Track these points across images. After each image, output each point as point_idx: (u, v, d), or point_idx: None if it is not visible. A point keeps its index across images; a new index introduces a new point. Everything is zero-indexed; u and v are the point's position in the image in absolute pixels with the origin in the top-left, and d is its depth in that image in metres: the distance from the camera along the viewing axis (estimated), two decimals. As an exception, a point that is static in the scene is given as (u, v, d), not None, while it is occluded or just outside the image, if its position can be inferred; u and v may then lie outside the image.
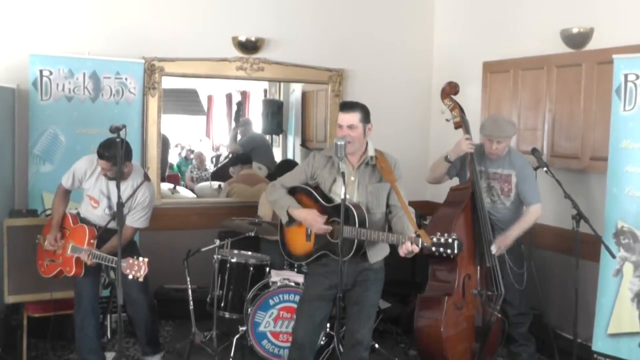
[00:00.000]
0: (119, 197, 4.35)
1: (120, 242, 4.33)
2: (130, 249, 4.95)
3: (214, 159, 11.21)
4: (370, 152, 4.28)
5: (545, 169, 4.69)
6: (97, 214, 5.00)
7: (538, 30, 6.12)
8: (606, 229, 5.07)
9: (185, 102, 11.71)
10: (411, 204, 4.38)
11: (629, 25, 5.31)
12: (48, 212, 5.66)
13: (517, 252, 5.25)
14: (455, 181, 5.51)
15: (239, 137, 9.23)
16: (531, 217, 5.19)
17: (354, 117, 4.21)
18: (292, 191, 4.42)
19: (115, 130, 4.26)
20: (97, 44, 6.15)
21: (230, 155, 9.15)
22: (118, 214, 4.34)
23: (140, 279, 4.47)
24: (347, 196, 4.05)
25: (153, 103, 6.44)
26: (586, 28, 5.62)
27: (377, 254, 4.33)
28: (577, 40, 5.69)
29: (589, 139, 5.51)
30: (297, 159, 8.84)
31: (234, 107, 11.04)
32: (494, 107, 6.40)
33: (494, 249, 4.98)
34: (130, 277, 4.46)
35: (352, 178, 4.27)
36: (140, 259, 4.47)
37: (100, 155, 4.73)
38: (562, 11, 5.90)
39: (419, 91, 7.48)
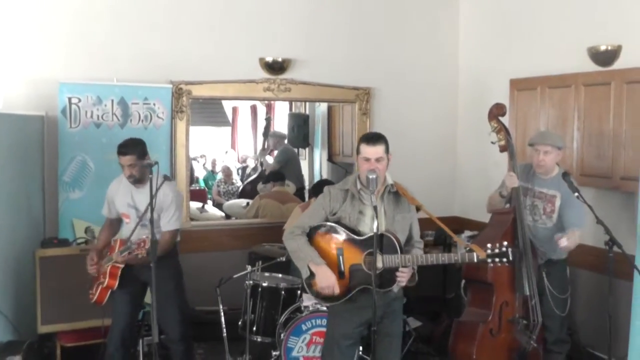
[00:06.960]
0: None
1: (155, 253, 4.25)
2: (172, 257, 5.01)
3: (239, 171, 11.24)
4: (389, 180, 4.24)
5: (576, 194, 4.60)
6: (131, 228, 4.83)
7: (565, 47, 6.07)
8: (638, 249, 4.97)
9: (210, 113, 11.73)
10: (440, 220, 4.36)
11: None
12: (79, 240, 5.73)
13: (560, 276, 5.17)
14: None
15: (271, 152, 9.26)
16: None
17: (380, 150, 4.15)
18: (315, 229, 4.25)
19: (148, 166, 4.30)
20: (124, 70, 6.17)
21: (263, 172, 9.13)
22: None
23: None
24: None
25: (181, 126, 6.46)
26: (614, 45, 5.57)
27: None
28: (604, 57, 5.64)
29: (619, 158, 5.45)
30: (324, 174, 8.85)
31: (259, 119, 11.07)
32: (522, 124, 6.36)
33: (564, 242, 4.71)
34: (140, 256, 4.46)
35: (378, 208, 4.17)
36: (144, 237, 4.42)
37: (123, 153, 4.76)
38: (589, 28, 5.84)
39: (445, 108, 7.47)
